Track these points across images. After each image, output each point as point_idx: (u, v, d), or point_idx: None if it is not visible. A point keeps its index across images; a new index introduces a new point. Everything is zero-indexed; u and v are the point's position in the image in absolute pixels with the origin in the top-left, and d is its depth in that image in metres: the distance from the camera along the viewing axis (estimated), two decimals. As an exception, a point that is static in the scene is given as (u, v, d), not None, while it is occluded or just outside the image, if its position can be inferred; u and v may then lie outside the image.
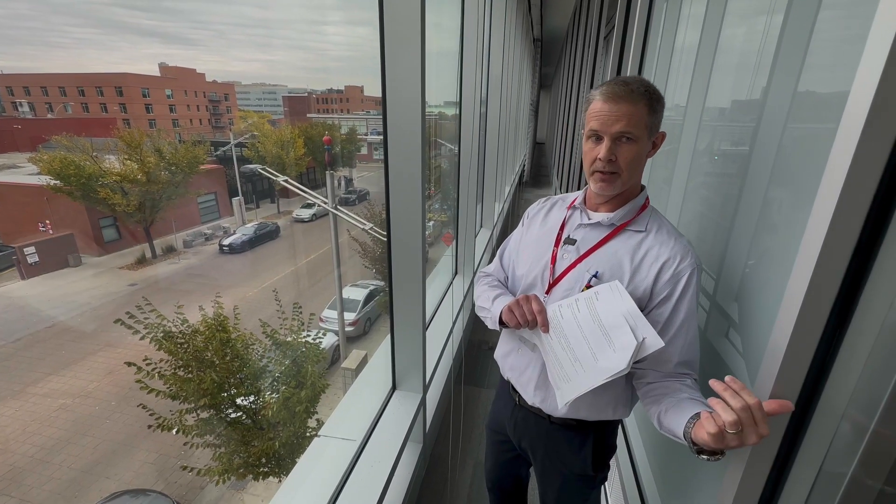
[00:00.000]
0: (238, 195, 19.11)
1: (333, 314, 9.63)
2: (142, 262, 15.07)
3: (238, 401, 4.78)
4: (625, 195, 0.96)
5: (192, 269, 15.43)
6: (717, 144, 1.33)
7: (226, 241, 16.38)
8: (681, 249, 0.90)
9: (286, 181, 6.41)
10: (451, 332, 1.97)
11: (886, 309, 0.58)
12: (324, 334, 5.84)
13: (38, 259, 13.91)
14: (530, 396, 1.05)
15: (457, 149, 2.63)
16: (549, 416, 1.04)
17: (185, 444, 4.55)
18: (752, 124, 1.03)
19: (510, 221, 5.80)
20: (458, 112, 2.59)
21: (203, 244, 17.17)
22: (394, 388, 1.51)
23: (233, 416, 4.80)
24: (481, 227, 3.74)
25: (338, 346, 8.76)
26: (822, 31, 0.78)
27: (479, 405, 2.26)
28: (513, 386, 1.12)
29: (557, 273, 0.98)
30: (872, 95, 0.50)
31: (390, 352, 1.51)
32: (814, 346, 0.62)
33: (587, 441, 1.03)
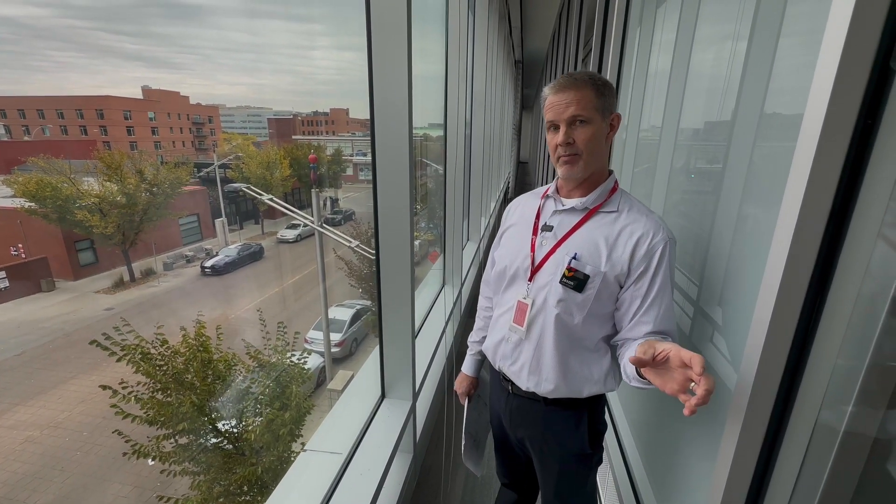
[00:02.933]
0: (221, 216, 18.85)
1: (319, 335, 9.43)
2: (119, 285, 14.60)
3: (219, 425, 4.60)
4: (594, 180, 1.01)
5: (173, 292, 15.00)
6: (692, 162, 1.40)
7: (208, 263, 16.03)
8: (653, 225, 0.94)
9: (271, 199, 6.37)
10: (439, 341, 1.96)
11: (852, 302, 0.61)
12: (308, 354, 5.72)
13: (8, 284, 13.36)
14: (524, 382, 1.07)
15: (443, 168, 2.68)
16: (544, 398, 1.06)
17: (162, 471, 4.32)
18: (723, 143, 1.09)
19: (496, 234, 5.84)
20: (443, 133, 2.65)
21: (184, 266, 16.76)
22: (383, 396, 1.48)
23: (213, 441, 4.60)
24: (468, 240, 3.79)
25: (324, 367, 8.56)
26: (782, 57, 0.83)
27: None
28: (504, 375, 1.13)
29: (538, 260, 1.02)
30: (823, 115, 0.55)
31: (379, 360, 1.49)
32: (788, 342, 0.65)
33: (582, 419, 1.05)
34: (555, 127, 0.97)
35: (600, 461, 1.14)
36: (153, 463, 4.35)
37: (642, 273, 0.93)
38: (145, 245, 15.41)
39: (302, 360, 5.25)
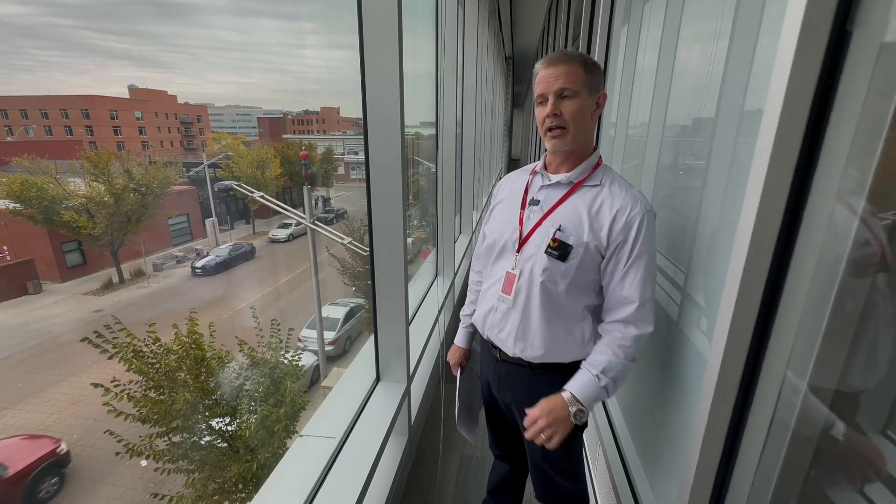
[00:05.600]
0: (211, 216, 18.66)
1: (312, 333, 9.39)
2: (108, 287, 14.40)
3: (213, 422, 4.58)
4: (578, 155, 1.05)
5: (163, 292, 14.83)
6: (677, 156, 1.45)
7: (199, 264, 15.87)
8: (631, 199, 0.98)
9: (262, 196, 6.34)
10: (433, 328, 1.99)
11: (809, 280, 0.66)
12: (302, 349, 5.70)
13: (-7, 287, 13.12)
14: (510, 348, 1.11)
15: (435, 165, 2.72)
16: (530, 363, 1.10)
17: (156, 469, 4.30)
18: (707, 139, 1.14)
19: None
20: (435, 130, 2.68)
21: (174, 267, 16.59)
22: (378, 379, 1.52)
23: (207, 439, 4.58)
24: (460, 233, 3.84)
25: (318, 365, 8.55)
26: (761, 56, 0.87)
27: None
28: (493, 343, 1.17)
29: (525, 232, 1.07)
30: (780, 111, 0.59)
31: (374, 346, 1.52)
32: (754, 315, 0.70)
33: (565, 379, 1.08)
34: (544, 100, 1.01)
35: (585, 426, 1.15)
36: (146, 463, 4.32)
37: (621, 244, 0.97)
38: (134, 246, 15.22)
39: (296, 358, 5.25)
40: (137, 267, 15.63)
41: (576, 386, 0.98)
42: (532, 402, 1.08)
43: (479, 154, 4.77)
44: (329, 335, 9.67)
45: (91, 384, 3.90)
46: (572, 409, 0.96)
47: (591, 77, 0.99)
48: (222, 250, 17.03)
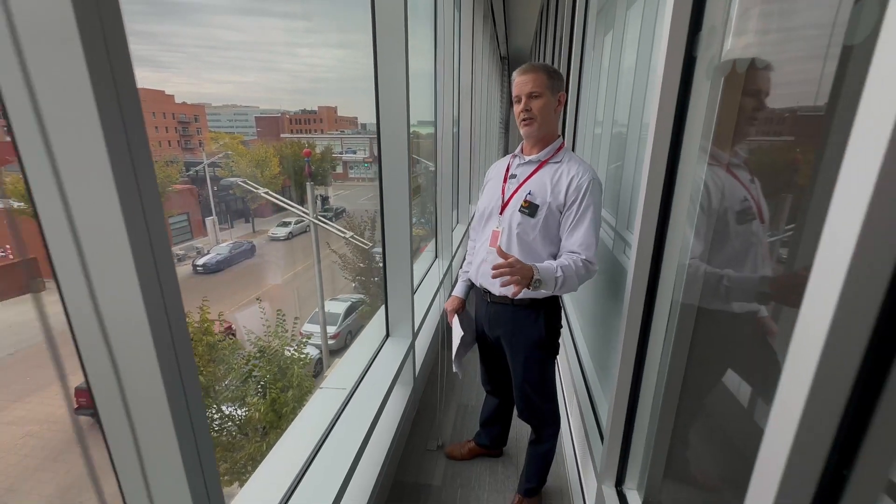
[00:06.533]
0: (212, 215, 18.82)
1: (314, 328, 9.64)
2: (111, 284, 14.57)
3: (224, 406, 4.82)
4: (545, 141, 1.40)
5: (165, 289, 14.96)
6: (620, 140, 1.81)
7: (200, 262, 16.03)
8: (583, 170, 1.34)
9: (267, 193, 6.57)
10: (433, 300, 2.26)
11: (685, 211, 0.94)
12: (307, 340, 5.93)
13: (-3, 285, 13.25)
14: (497, 289, 1.44)
15: (432, 164, 2.98)
16: (512, 300, 1.43)
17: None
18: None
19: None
20: (434, 129, 2.93)
21: (175, 265, 16.73)
22: (387, 335, 1.77)
23: (217, 422, 4.82)
24: (458, 222, 4.11)
25: (320, 359, 8.79)
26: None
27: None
28: (484, 289, 1.51)
29: (506, 198, 1.43)
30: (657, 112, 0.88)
31: (384, 309, 1.78)
32: (651, 246, 0.99)
33: (540, 314, 1.44)
34: (518, 99, 1.38)
35: (556, 352, 1.49)
36: None
37: (573, 202, 1.33)
38: (136, 244, 15.32)
39: (302, 344, 5.49)
40: (139, 265, 15.77)
41: (541, 267, 1.29)
42: (515, 333, 1.42)
43: (475, 150, 5.02)
44: (330, 329, 9.92)
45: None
46: (535, 276, 1.26)
47: (552, 82, 1.33)
48: (223, 248, 17.19)
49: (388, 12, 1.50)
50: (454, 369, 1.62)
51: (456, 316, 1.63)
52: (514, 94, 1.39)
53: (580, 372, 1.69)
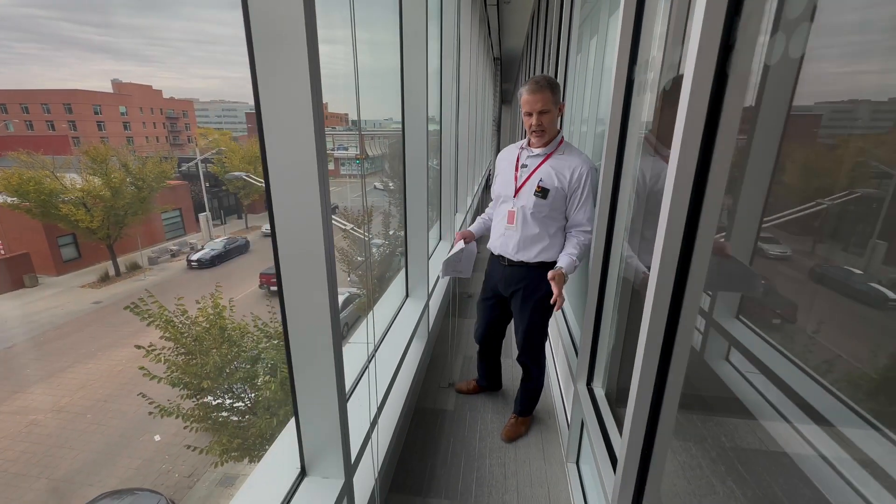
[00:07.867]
0: (205, 210, 18.90)
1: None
2: (105, 279, 14.61)
3: (235, 387, 5.10)
4: (549, 137, 1.74)
5: (161, 284, 15.05)
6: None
7: (194, 257, 16.17)
8: (582, 161, 1.68)
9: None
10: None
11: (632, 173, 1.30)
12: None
13: (-10, 280, 13.23)
14: (514, 255, 1.80)
15: (437, 161, 3.29)
16: (527, 263, 1.79)
17: (184, 427, 4.82)
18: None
19: (481, 205, 6.50)
20: (439, 127, 3.24)
21: (169, 261, 16.84)
22: (406, 296, 2.12)
23: (229, 401, 5.10)
24: (457, 211, 4.48)
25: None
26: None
27: (464, 327, 3.13)
28: (502, 256, 1.85)
29: (519, 183, 1.77)
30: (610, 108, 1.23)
31: (404, 272, 2.12)
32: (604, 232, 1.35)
33: (547, 271, 1.73)
34: (529, 115, 1.69)
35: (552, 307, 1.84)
36: (159, 437, 4.77)
37: (576, 189, 1.69)
38: (129, 239, 15.40)
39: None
40: (133, 260, 15.81)
41: (566, 266, 1.66)
42: (526, 291, 1.78)
43: (472, 148, 5.36)
44: (327, 321, 10.16)
45: (135, 346, 4.39)
46: (566, 279, 1.66)
47: (556, 96, 1.67)
48: (217, 244, 17.29)
49: (412, 23, 1.83)
50: (440, 275, 1.99)
51: (463, 240, 1.95)
52: (524, 109, 1.69)
53: (563, 315, 2.08)
